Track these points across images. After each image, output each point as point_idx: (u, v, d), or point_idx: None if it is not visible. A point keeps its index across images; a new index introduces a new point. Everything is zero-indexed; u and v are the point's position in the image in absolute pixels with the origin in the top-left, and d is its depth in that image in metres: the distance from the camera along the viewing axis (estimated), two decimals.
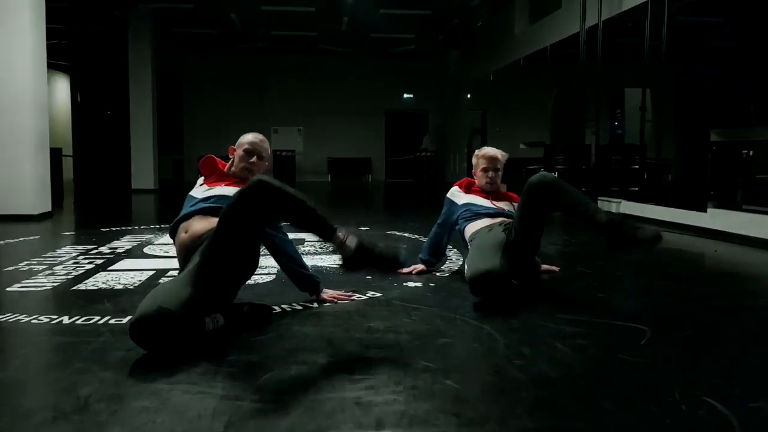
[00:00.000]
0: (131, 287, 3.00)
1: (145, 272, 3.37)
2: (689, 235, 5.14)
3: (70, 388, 1.68)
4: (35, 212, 6.01)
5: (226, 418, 1.47)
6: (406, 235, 5.07)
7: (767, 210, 4.80)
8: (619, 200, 6.73)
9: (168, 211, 8.61)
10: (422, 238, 4.75)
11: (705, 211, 5.31)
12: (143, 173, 10.94)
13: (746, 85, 7.91)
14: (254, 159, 2.63)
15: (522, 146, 10.55)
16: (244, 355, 1.97)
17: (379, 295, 2.82)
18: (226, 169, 2.68)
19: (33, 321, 2.38)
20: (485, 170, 3.20)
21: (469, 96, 13.50)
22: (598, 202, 6.99)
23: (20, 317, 2.43)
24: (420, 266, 3.29)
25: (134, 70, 10.91)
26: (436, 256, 3.36)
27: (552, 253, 4.03)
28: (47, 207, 6.29)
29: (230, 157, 2.71)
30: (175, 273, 3.16)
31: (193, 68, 15.34)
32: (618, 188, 7.26)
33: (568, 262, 3.80)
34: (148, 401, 1.58)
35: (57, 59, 12.00)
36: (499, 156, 3.21)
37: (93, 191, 11.40)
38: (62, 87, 15.40)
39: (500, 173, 3.23)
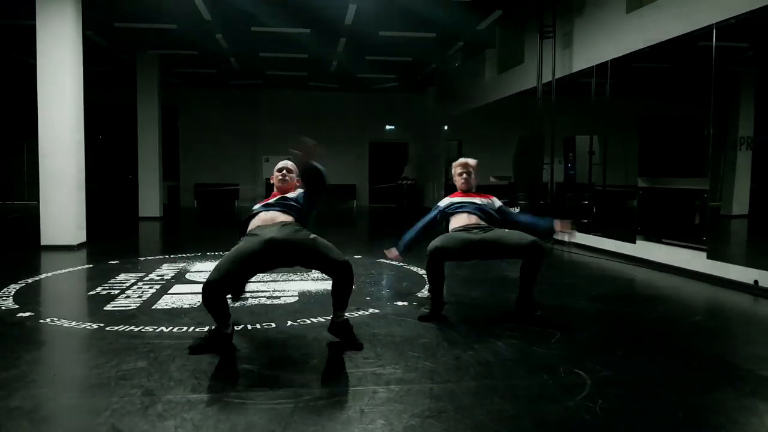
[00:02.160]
0: (195, 306, 4.07)
1: (197, 295, 4.42)
2: (621, 262, 6.37)
3: (197, 368, 2.77)
4: (75, 243, 7.01)
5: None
6: (392, 262, 6.20)
7: (678, 243, 6.06)
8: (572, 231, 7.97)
9: (182, 240, 9.62)
10: (406, 266, 5.92)
11: (634, 242, 6.57)
12: (150, 201, 11.93)
13: (692, 125, 9.26)
14: (284, 171, 3.63)
15: (492, 179, 11.83)
16: (295, 350, 3.08)
17: (377, 311, 3.95)
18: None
19: (142, 330, 3.45)
20: (460, 174, 4.13)
21: (446, 128, 14.80)
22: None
23: (131, 328, 3.49)
24: (396, 253, 4.27)
25: (142, 107, 11.95)
26: (408, 250, 4.26)
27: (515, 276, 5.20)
28: (83, 238, 7.30)
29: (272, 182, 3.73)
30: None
31: (189, 100, 16.41)
32: (571, 220, 8.51)
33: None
34: (242, 383, 2.69)
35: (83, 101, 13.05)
36: (470, 161, 4.16)
37: (102, 218, 12.32)
38: None
39: (472, 176, 4.11)
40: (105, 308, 4.02)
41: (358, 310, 3.90)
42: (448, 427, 2.15)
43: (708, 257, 5.40)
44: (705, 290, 5.05)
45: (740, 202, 11.26)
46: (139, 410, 2.29)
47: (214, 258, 6.31)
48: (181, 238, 9.80)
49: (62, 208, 7.02)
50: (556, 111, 8.51)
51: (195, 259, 6.28)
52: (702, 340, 3.56)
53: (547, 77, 8.55)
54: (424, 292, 4.61)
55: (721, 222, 11.42)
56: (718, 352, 3.33)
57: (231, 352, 3.01)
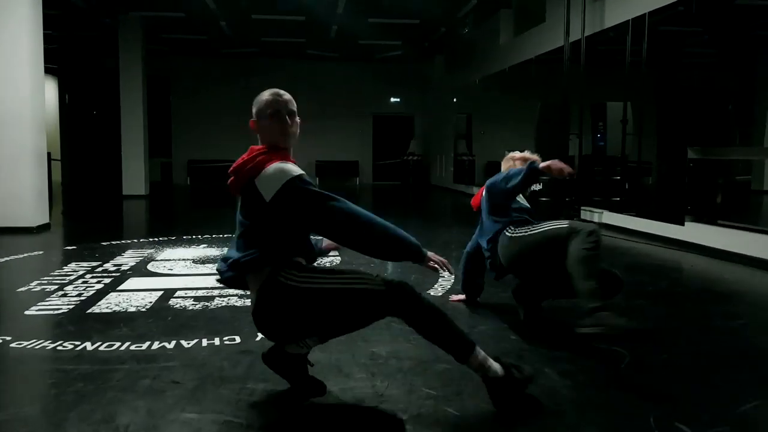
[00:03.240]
0: (143, 310, 3.16)
1: (153, 293, 3.52)
2: (667, 247, 5.41)
3: (108, 418, 1.86)
4: (34, 224, 6.10)
5: None
6: None
7: (739, 225, 5.09)
8: (601, 210, 7.00)
9: (162, 221, 8.73)
10: None
11: (683, 225, 5.59)
12: (134, 178, 11.00)
13: (723, 95, 8.25)
14: (287, 119, 2.02)
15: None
16: (260, 383, 2.16)
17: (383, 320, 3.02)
18: (266, 149, 2.02)
19: (58, 348, 2.54)
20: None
21: (454, 100, 13.73)
22: (581, 212, 7.26)
23: (45, 343, 2.59)
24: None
25: (125, 76, 10.96)
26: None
27: None
28: (45, 219, 6.39)
29: (255, 133, 2.08)
30: (181, 292, 3.35)
31: (180, 71, 15.36)
32: (600, 198, 7.54)
33: None
34: (183, 431, 1.77)
35: (45, 62, 12.03)
36: (533, 156, 3.25)
37: (83, 196, 11.43)
38: (49, 89, 15.32)
39: None
40: (27, 312, 3.11)
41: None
42: None
43: None
44: None
45: None
46: None
47: (188, 243, 5.39)
48: (161, 219, 8.88)
49: (19, 185, 6.09)
50: (585, 75, 7.45)
51: (165, 244, 5.36)
52: None
53: (575, 35, 7.48)
54: (438, 290, 3.68)
55: (755, 198, 10.41)
56: None
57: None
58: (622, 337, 2.33)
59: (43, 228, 6.29)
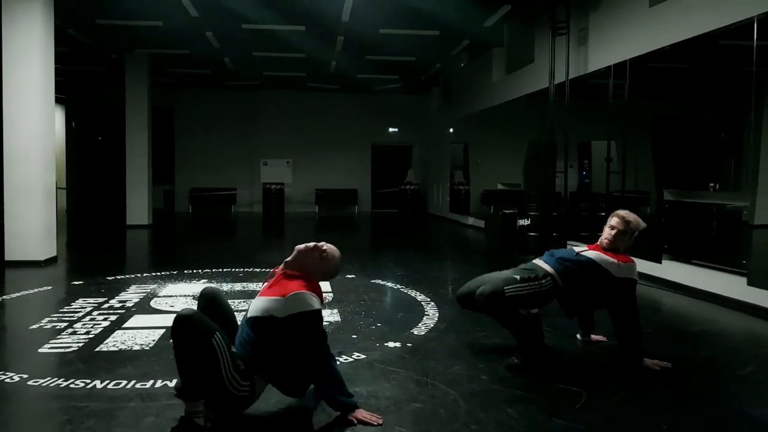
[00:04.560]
0: (147, 348, 3.43)
1: (156, 330, 3.79)
2: (647, 285, 5.68)
3: None
4: (42, 258, 6.40)
5: None
6: (388, 284, 5.54)
7: (712, 265, 5.36)
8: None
9: (163, 254, 9.00)
10: (403, 289, 5.26)
11: (660, 262, 5.87)
12: (138, 208, 11.31)
13: (714, 127, 8.57)
14: (304, 250, 2.60)
15: (500, 186, 11.15)
16: (257, 422, 2.42)
17: (363, 356, 3.29)
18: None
19: (71, 386, 2.81)
20: (612, 227, 3.36)
21: (451, 131, 14.12)
22: (567, 245, 7.54)
23: (58, 381, 2.86)
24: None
25: (131, 107, 11.34)
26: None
27: None
28: (53, 253, 6.68)
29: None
30: None
31: (184, 102, 15.82)
32: (587, 233, 7.82)
33: None
34: None
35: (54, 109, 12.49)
36: (631, 219, 3.35)
37: (88, 226, 11.74)
38: (57, 119, 15.76)
39: (626, 236, 3.33)
40: (40, 350, 3.39)
41: (340, 354, 3.25)
42: None
43: (749, 283, 4.70)
44: (748, 325, 4.36)
45: (765, 210, 10.50)
46: None
47: (189, 278, 5.67)
48: (164, 251, 9.17)
49: (28, 220, 6.40)
50: (570, 114, 7.82)
51: (168, 279, 5.64)
52: (759, 401, 2.87)
53: (560, 77, 7.86)
54: (422, 328, 3.95)
55: (746, 233, 10.70)
56: None
57: None
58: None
59: (50, 261, 6.59)
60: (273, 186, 14.73)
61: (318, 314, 2.42)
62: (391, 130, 16.97)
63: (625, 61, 6.65)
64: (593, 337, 3.68)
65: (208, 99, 15.85)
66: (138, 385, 2.82)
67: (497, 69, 10.79)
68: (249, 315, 2.46)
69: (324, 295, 2.66)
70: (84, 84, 14.94)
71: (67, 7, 7.74)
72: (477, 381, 2.94)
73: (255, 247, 9.85)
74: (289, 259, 2.58)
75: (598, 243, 3.46)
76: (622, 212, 3.46)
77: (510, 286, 3.19)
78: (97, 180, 15.78)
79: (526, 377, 2.99)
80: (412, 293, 5.10)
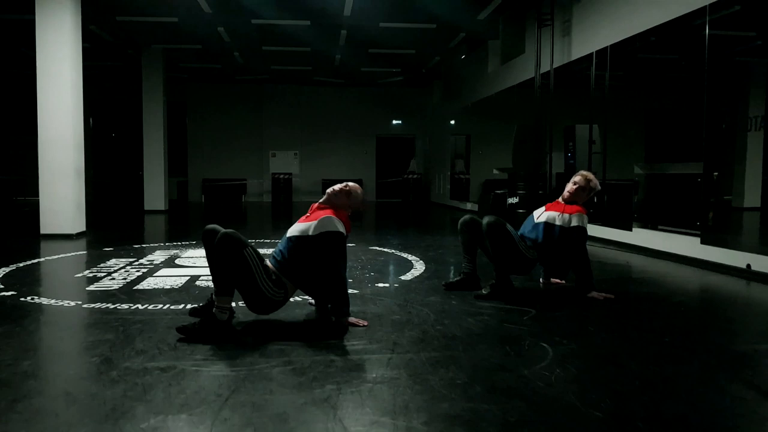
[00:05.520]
0: (177, 287, 4.10)
1: (182, 277, 4.47)
2: (619, 250, 6.29)
3: (162, 340, 2.79)
4: (74, 232, 7.11)
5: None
6: (386, 250, 6.20)
7: (674, 229, 5.96)
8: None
9: (181, 230, 9.71)
10: (398, 253, 5.91)
11: (631, 230, 6.48)
12: (155, 195, 12.05)
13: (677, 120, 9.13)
14: (337, 191, 3.23)
15: (495, 171, 11.75)
16: (248, 334, 3.09)
17: (356, 291, 3.95)
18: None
19: (117, 308, 3.49)
20: (574, 183, 3.99)
21: (452, 122, 14.74)
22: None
23: (108, 305, 3.54)
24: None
25: (147, 101, 12.08)
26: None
27: None
28: (82, 227, 7.40)
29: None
30: (205, 277, 4.29)
31: (196, 97, 16.56)
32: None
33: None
34: (202, 352, 2.71)
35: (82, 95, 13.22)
36: (592, 179, 3.97)
37: (108, 212, 12.48)
38: None
39: (583, 192, 3.95)
40: (87, 288, 4.07)
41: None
42: (396, 391, 2.14)
43: (702, 242, 5.31)
44: (696, 274, 4.96)
45: (753, 194, 11.03)
46: (94, 376, 2.31)
47: None
48: (182, 228, 9.87)
49: (61, 197, 7.12)
50: (555, 101, 8.42)
51: (188, 246, 6.33)
52: (681, 318, 3.50)
53: (546, 66, 8.46)
54: (409, 276, 4.59)
55: (733, 215, 11.24)
56: (694, 329, 3.28)
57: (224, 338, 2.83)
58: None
59: (81, 235, 7.30)
60: (281, 176, 15.44)
61: (342, 236, 3.04)
62: (394, 122, 17.61)
63: (606, 47, 7.24)
64: (552, 280, 4.31)
65: (219, 93, 16.58)
66: (172, 307, 3.49)
67: (492, 61, 11.39)
68: (287, 235, 3.13)
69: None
70: (102, 79, 15.69)
71: (90, 3, 8.43)
72: (448, 305, 3.59)
73: (265, 229, 10.52)
74: (321, 199, 3.24)
75: (560, 197, 4.09)
76: (584, 172, 4.10)
77: (512, 231, 3.85)
78: (115, 171, 16.56)
79: (490, 303, 3.63)
80: (405, 255, 5.75)
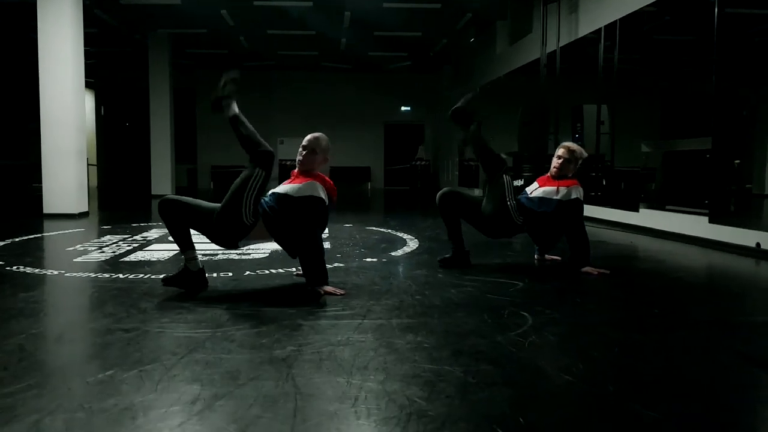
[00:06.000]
0: (163, 259, 4.07)
1: (172, 252, 4.43)
2: (627, 231, 6.12)
3: (134, 304, 2.74)
4: (76, 211, 7.14)
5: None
6: (382, 230, 6.10)
7: (682, 209, 5.78)
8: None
9: None
10: (393, 232, 5.81)
11: (637, 211, 6.31)
12: (162, 180, 12.09)
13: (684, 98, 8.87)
14: (303, 152, 3.17)
15: (503, 155, 11.56)
16: (242, 301, 3.02)
17: (342, 265, 3.87)
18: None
19: (98, 276, 3.45)
20: (558, 157, 3.85)
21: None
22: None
23: (89, 275, 3.50)
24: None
25: (154, 87, 12.10)
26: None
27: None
28: (85, 207, 7.43)
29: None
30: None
31: (205, 84, 16.53)
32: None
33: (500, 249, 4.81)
34: (170, 316, 2.65)
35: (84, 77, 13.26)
36: (576, 149, 3.85)
37: (116, 197, 12.57)
38: (88, 101, 16.69)
39: (570, 164, 3.82)
40: (74, 260, 4.05)
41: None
42: (358, 354, 2.06)
43: (710, 221, 5.13)
44: (702, 253, 4.80)
45: None
46: (54, 336, 2.27)
47: None
48: None
49: (63, 178, 7.14)
50: (562, 81, 8.22)
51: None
52: (678, 292, 3.37)
53: (552, 46, 8.27)
54: (399, 252, 4.50)
55: (753, 202, 10.93)
56: (690, 302, 3.15)
57: (198, 290, 3.01)
58: None
59: (83, 215, 7.32)
60: (289, 163, 15.37)
61: (322, 202, 3.01)
62: (403, 108, 17.45)
63: (615, 21, 7.01)
64: (547, 256, 4.18)
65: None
66: (153, 276, 3.44)
67: (501, 41, 11.18)
68: (273, 191, 3.12)
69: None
70: (111, 67, 15.77)
71: None
72: (433, 277, 3.49)
73: None
74: (297, 167, 3.19)
75: (548, 173, 3.96)
76: (567, 143, 3.95)
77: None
78: (124, 158, 16.67)
79: (475, 274, 3.53)
80: (401, 234, 5.66)
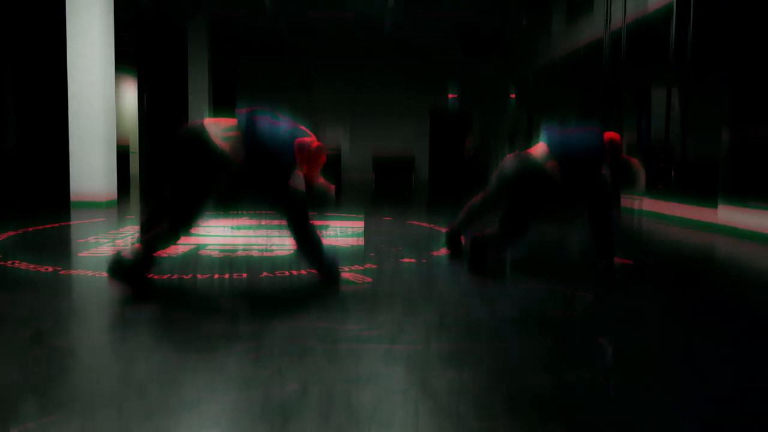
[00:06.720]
0: (174, 256, 3.62)
1: (187, 245, 3.99)
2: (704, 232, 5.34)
3: (115, 314, 2.28)
4: (103, 200, 6.86)
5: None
6: (423, 225, 5.53)
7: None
8: (641, 198, 6.94)
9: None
10: (436, 228, 5.23)
11: (716, 208, 5.49)
12: None
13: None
14: None
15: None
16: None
17: (374, 266, 3.33)
18: None
19: (94, 276, 3.02)
20: None
21: (512, 95, 13.75)
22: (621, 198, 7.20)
23: (86, 273, 3.08)
24: None
25: (193, 74, 11.86)
26: None
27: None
28: (113, 196, 7.14)
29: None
30: (212, 247, 3.78)
31: (247, 71, 16.30)
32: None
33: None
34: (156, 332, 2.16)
35: (125, 64, 13.14)
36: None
37: (151, 186, 12.45)
38: (130, 89, 16.76)
39: None
40: (79, 254, 3.66)
41: (351, 266, 3.29)
42: (382, 398, 1.51)
43: None
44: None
45: None
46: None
47: (232, 216, 5.92)
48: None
49: (91, 166, 6.87)
50: (628, 62, 7.38)
51: (211, 216, 5.90)
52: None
53: (617, 23, 7.43)
54: (441, 252, 3.93)
55: None
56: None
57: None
58: None
59: (110, 204, 7.05)
60: (330, 153, 14.96)
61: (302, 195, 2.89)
62: (450, 96, 16.72)
63: None
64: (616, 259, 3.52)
65: (267, 68, 16.24)
66: (156, 278, 2.99)
67: (557, 21, 10.34)
68: None
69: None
70: (153, 55, 15.66)
71: None
72: (480, 284, 2.91)
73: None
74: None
75: None
76: None
77: None
78: (166, 146, 16.65)
79: (530, 278, 2.92)
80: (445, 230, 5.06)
